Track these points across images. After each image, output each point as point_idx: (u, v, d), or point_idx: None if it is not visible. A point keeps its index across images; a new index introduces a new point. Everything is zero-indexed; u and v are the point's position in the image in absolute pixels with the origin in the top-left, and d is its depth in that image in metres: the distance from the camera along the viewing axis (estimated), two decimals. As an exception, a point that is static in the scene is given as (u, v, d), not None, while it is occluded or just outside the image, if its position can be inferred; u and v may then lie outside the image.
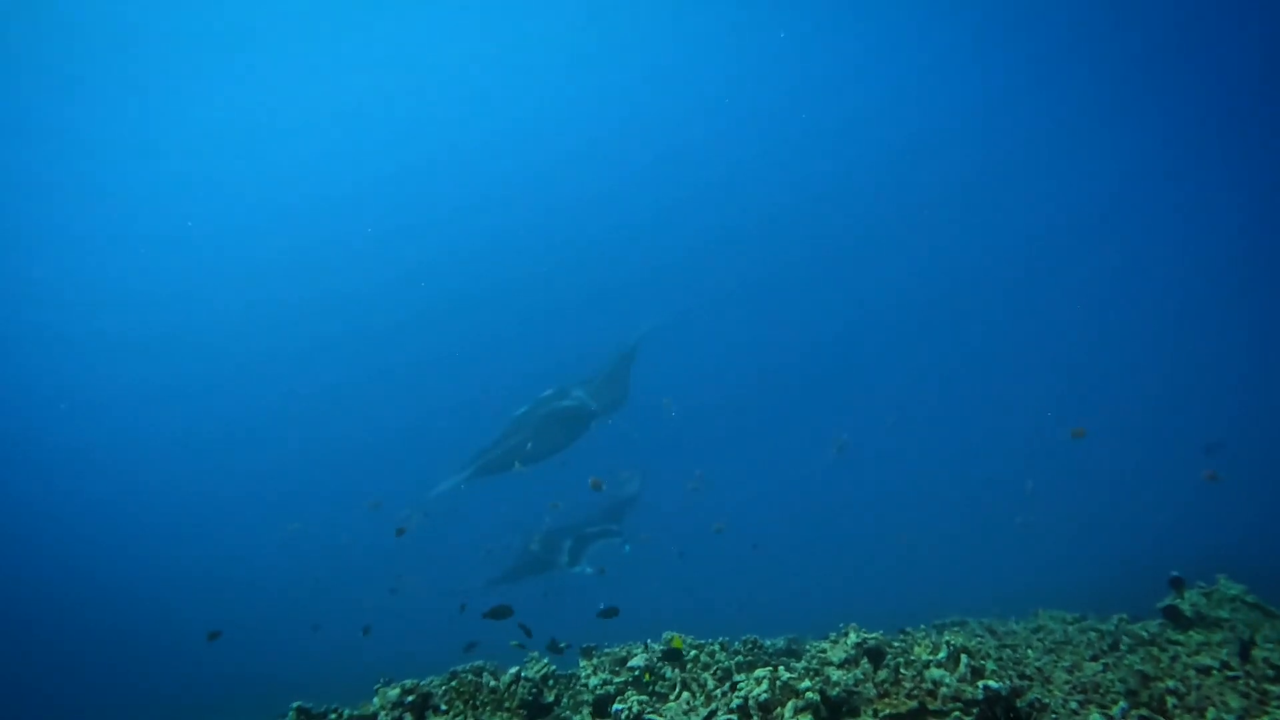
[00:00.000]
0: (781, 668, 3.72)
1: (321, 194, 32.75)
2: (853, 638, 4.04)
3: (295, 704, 4.00)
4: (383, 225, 33.88)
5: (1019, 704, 3.11)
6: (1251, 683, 3.20)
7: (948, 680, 3.51)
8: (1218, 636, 4.22)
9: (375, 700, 3.79)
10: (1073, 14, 21.32)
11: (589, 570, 9.34)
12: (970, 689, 3.41)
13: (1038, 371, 30.95)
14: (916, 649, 3.89)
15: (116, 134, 26.46)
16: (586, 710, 4.25)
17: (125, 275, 31.55)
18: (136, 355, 33.46)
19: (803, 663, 4.08)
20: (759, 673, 3.62)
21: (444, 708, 3.99)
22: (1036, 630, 5.69)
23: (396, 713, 3.70)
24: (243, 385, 34.65)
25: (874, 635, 4.03)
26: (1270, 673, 3.23)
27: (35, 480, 32.03)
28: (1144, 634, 4.49)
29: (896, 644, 4.03)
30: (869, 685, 3.58)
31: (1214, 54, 19.87)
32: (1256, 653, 3.46)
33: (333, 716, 3.50)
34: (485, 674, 4.61)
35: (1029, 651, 4.98)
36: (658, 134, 30.91)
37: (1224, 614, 4.66)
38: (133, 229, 30.27)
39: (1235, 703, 3.07)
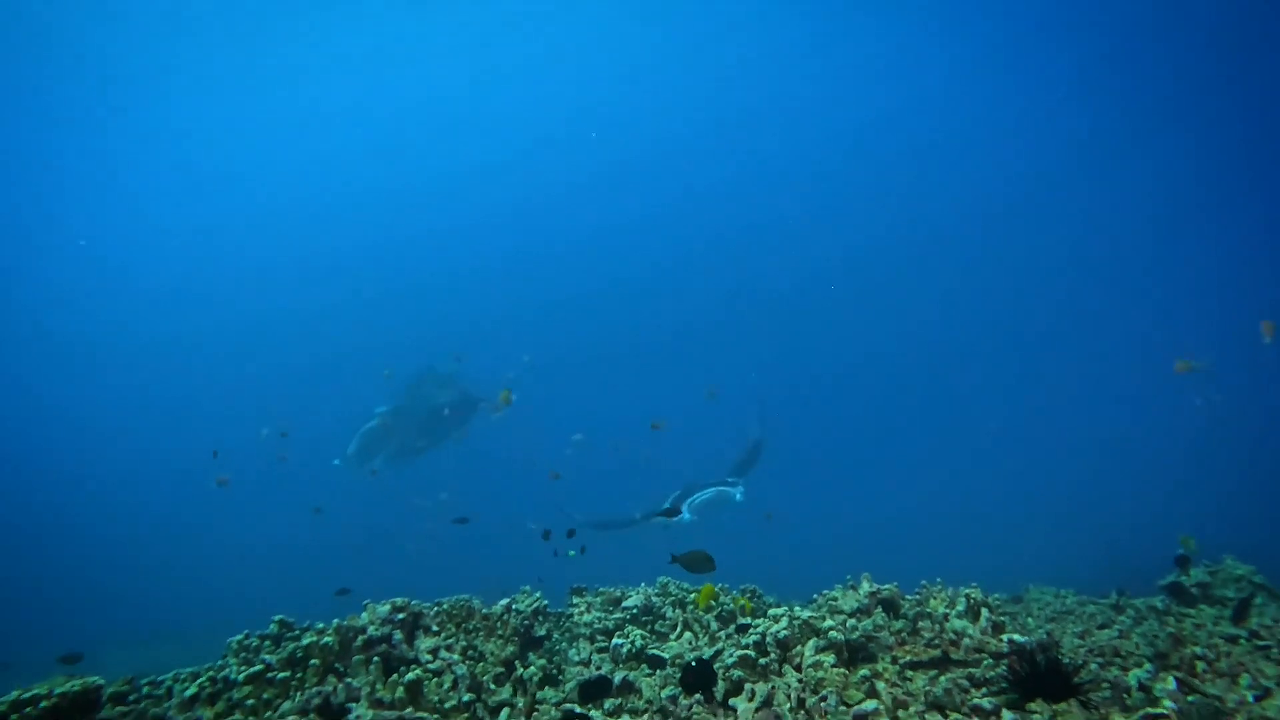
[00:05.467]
0: (798, 607, 3.57)
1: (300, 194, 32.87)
2: (866, 587, 3.90)
3: (277, 617, 3.77)
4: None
5: (1048, 657, 2.99)
6: (1284, 652, 3.11)
7: (971, 632, 3.39)
8: (1228, 614, 4.18)
9: (364, 615, 3.56)
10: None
11: (689, 517, 8.74)
12: (994, 642, 3.29)
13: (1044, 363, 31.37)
14: (932, 602, 3.77)
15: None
16: (583, 641, 4.08)
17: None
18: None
19: (810, 609, 3.94)
20: (775, 611, 3.45)
21: (435, 629, 3.78)
22: (1031, 602, 5.66)
23: (386, 629, 3.47)
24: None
25: (888, 586, 3.90)
26: (1302, 644, 3.15)
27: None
28: (1155, 607, 4.43)
29: (910, 597, 3.91)
30: (886, 634, 3.45)
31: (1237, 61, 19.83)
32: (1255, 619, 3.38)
33: (320, 625, 3.26)
34: (475, 602, 4.42)
35: (1029, 620, 4.93)
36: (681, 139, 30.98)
37: (1229, 593, 4.63)
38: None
39: (1271, 670, 2.97)
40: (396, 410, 14.96)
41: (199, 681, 2.67)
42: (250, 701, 2.65)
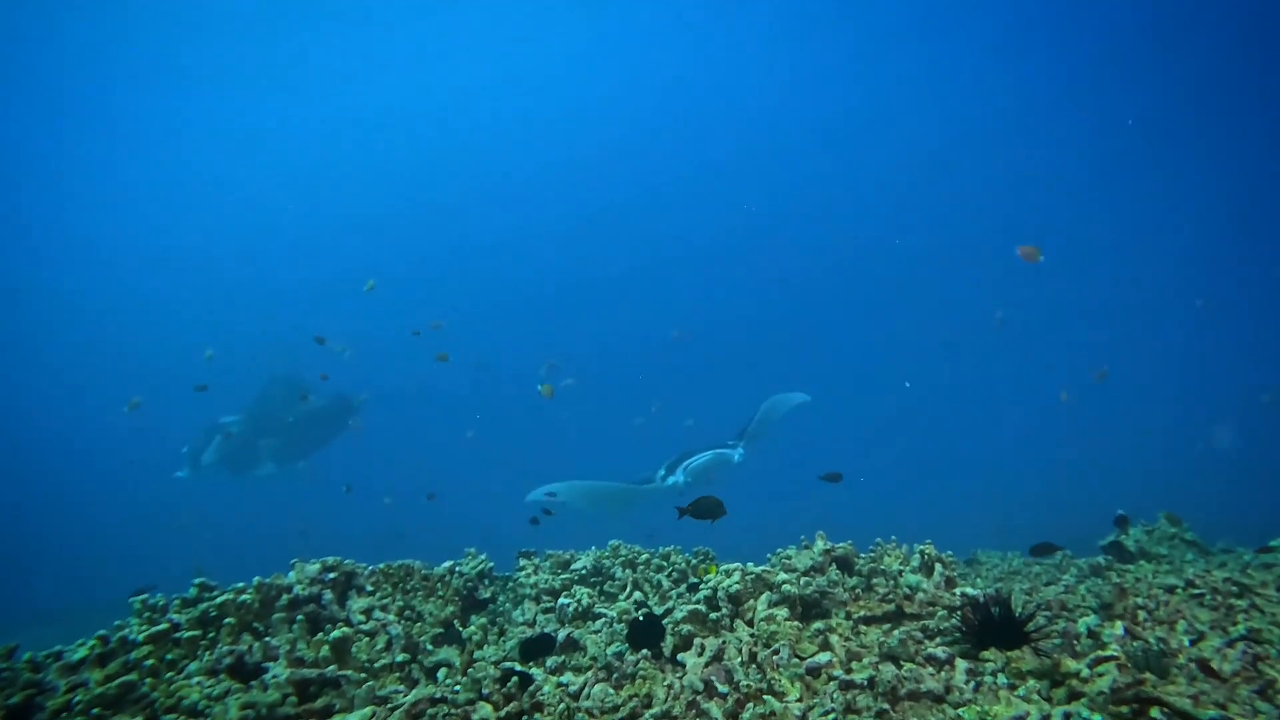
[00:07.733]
0: (750, 564, 3.48)
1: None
2: (820, 545, 3.83)
3: (198, 579, 3.47)
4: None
5: (1001, 608, 2.97)
6: (1218, 598, 3.18)
7: (925, 586, 3.36)
8: (1164, 568, 4.30)
9: (291, 574, 3.29)
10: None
11: (682, 480, 8.19)
12: (948, 596, 3.27)
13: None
14: (887, 559, 3.74)
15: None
16: (529, 603, 3.91)
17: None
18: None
19: (764, 566, 3.87)
20: (727, 566, 3.35)
21: (369, 589, 3.55)
22: (980, 564, 5.76)
23: (315, 588, 3.22)
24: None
25: (842, 544, 3.84)
26: (1234, 589, 3.23)
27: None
28: (1097, 564, 4.54)
29: (865, 554, 3.87)
30: (840, 590, 3.39)
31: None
32: (1217, 573, 3.47)
33: (241, 585, 2.99)
34: (416, 563, 4.20)
35: (978, 580, 5.00)
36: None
37: (1163, 550, 4.78)
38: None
39: (1205, 616, 3.02)
40: (248, 419, 14.16)
41: (89, 644, 2.38)
42: (150, 662, 2.38)
